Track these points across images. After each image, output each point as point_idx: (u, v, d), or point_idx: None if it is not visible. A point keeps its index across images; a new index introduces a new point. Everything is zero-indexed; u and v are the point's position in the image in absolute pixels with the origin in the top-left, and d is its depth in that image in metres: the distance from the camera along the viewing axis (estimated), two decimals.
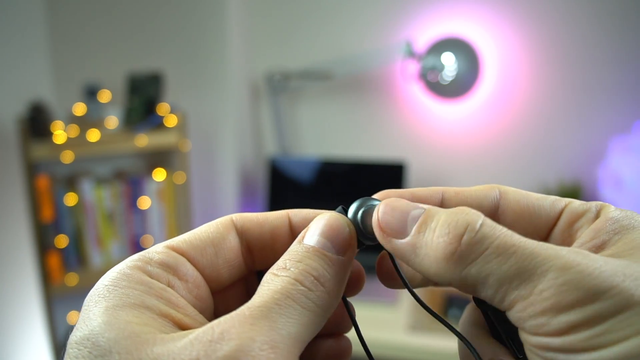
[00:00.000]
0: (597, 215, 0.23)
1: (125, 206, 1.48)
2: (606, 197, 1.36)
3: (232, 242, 0.24)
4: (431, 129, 1.62)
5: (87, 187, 1.43)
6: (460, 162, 1.62)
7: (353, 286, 0.26)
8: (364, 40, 1.61)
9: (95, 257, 1.46)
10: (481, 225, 0.20)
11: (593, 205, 0.23)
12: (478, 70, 1.45)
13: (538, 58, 1.51)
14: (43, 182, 1.35)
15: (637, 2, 1.41)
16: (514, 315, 0.20)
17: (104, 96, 1.54)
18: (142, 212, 1.50)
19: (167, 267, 0.22)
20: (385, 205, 0.22)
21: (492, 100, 1.55)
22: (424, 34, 1.53)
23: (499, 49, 1.51)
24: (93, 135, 1.34)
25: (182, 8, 1.58)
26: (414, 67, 1.48)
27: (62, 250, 1.41)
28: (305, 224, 0.25)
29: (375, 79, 1.62)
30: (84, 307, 0.20)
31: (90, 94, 1.51)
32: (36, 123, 1.29)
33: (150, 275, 0.21)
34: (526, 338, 0.20)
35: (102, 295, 0.20)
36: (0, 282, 1.43)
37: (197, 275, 0.23)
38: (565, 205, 0.24)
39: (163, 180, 1.52)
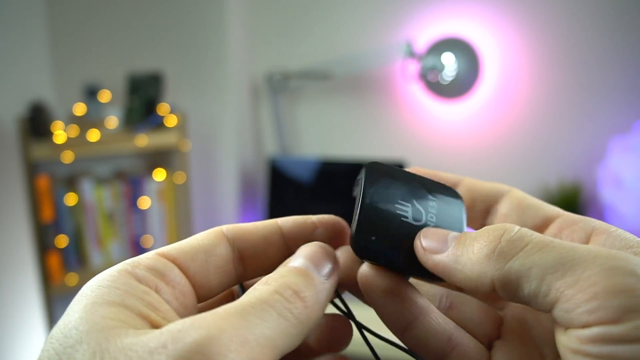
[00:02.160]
0: (593, 229, 0.23)
1: (125, 206, 1.48)
2: (606, 197, 1.36)
3: (223, 250, 0.24)
4: (431, 129, 1.62)
5: (87, 187, 1.43)
6: (460, 162, 1.62)
7: (339, 341, 0.26)
8: (364, 40, 1.61)
9: (95, 257, 1.46)
10: (519, 229, 0.21)
11: (590, 219, 0.24)
12: (478, 70, 1.45)
13: (538, 58, 1.51)
14: (43, 182, 1.35)
15: (638, 2, 1.41)
16: (561, 307, 0.19)
17: (104, 96, 1.54)
18: (142, 212, 1.50)
19: (156, 271, 0.22)
20: (425, 231, 0.24)
21: (492, 101, 1.55)
22: (424, 34, 1.53)
23: (500, 49, 1.51)
24: (93, 135, 1.34)
25: (182, 8, 1.58)
26: (414, 67, 1.48)
27: (62, 250, 1.41)
28: (294, 228, 0.26)
29: (375, 79, 1.62)
30: (68, 307, 0.20)
31: (91, 94, 1.51)
32: (36, 123, 1.29)
33: (138, 278, 0.21)
34: (579, 335, 0.18)
35: (84, 295, 0.20)
36: (0, 282, 1.43)
37: (185, 283, 0.23)
38: (561, 214, 0.25)
39: (163, 180, 1.52)
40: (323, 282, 0.23)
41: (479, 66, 1.45)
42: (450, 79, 1.45)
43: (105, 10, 1.62)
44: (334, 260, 0.24)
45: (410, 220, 0.25)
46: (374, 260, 0.24)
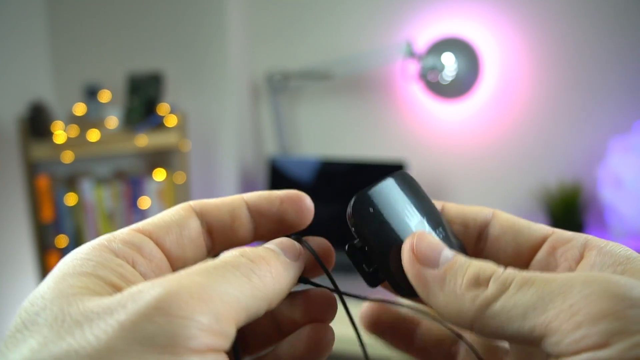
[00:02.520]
0: (585, 246, 0.23)
1: (126, 206, 1.48)
2: (606, 197, 1.36)
3: (194, 224, 0.25)
4: (431, 129, 1.62)
5: (87, 187, 1.43)
6: (460, 162, 1.62)
7: (323, 314, 0.26)
8: (364, 40, 1.61)
9: None
10: (503, 271, 0.21)
11: (582, 235, 0.24)
12: (478, 71, 1.45)
13: (538, 58, 1.51)
14: (43, 182, 1.35)
15: (638, 3, 1.41)
16: (549, 341, 0.19)
17: (104, 96, 1.54)
18: (142, 212, 1.50)
19: (132, 244, 0.22)
20: (420, 234, 0.23)
21: (492, 101, 1.55)
22: (424, 34, 1.53)
23: (500, 49, 1.51)
24: (93, 135, 1.34)
25: (182, 8, 1.58)
26: (414, 67, 1.48)
27: (62, 250, 1.41)
28: (259, 201, 0.26)
29: (375, 79, 1.62)
30: None
31: (91, 94, 1.51)
32: (36, 123, 1.29)
33: (114, 252, 0.21)
34: None
35: (57, 267, 0.20)
36: (0, 282, 1.43)
37: (161, 257, 0.23)
38: (553, 232, 0.24)
39: (163, 180, 1.52)
40: (288, 262, 0.23)
41: (479, 66, 1.45)
42: (450, 79, 1.45)
43: (105, 10, 1.62)
44: (300, 251, 0.24)
45: (410, 225, 0.25)
46: (358, 234, 0.24)
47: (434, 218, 0.26)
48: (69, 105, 1.57)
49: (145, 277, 0.21)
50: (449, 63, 1.44)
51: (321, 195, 1.56)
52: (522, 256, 0.25)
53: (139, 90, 1.44)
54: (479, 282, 0.21)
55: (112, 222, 1.47)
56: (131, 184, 1.48)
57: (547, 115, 1.53)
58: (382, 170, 1.51)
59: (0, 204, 1.42)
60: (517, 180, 1.59)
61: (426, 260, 0.22)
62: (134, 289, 0.18)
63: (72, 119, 1.50)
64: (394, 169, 1.49)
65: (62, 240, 1.41)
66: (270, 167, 1.58)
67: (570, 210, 1.47)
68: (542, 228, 0.25)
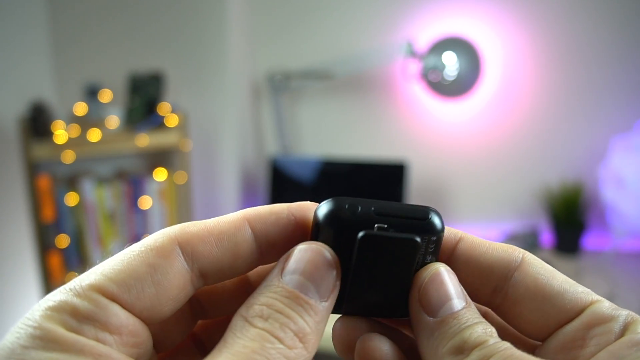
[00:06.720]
0: (624, 330, 0.19)
1: (126, 206, 1.48)
2: (607, 197, 1.36)
3: (177, 274, 0.19)
4: (432, 129, 1.61)
5: (88, 187, 1.43)
6: (461, 161, 1.62)
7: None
8: (365, 40, 1.60)
9: (96, 257, 1.46)
10: (494, 343, 0.19)
11: (623, 314, 0.20)
12: (480, 70, 1.45)
13: (540, 57, 1.50)
14: (44, 181, 1.35)
15: (639, 3, 1.41)
16: None
17: (105, 96, 1.54)
18: (143, 212, 1.50)
19: (96, 321, 0.17)
20: (447, 270, 0.21)
21: (493, 100, 1.55)
22: (425, 33, 1.53)
23: (501, 48, 1.51)
24: (94, 135, 1.34)
25: (183, 8, 1.58)
26: (415, 66, 1.47)
27: (63, 250, 1.41)
28: (265, 229, 0.21)
29: (376, 78, 1.62)
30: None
31: (91, 94, 1.51)
32: (37, 123, 1.29)
33: (74, 331, 0.17)
34: None
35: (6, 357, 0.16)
36: (1, 282, 1.43)
37: (132, 323, 0.18)
38: (592, 302, 0.21)
39: (164, 180, 1.52)
40: (322, 307, 0.20)
41: (481, 65, 1.45)
42: (451, 78, 1.44)
43: (106, 10, 1.62)
44: (336, 269, 0.20)
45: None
46: (326, 227, 0.21)
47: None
48: (69, 105, 1.57)
49: (118, 349, 0.18)
50: (450, 62, 1.44)
51: (322, 195, 1.56)
52: (546, 325, 0.21)
53: (139, 90, 1.44)
54: (462, 348, 0.19)
55: (113, 222, 1.47)
56: (132, 183, 1.48)
57: (548, 114, 1.53)
58: (382, 170, 1.50)
59: (1, 204, 1.42)
60: (518, 180, 1.59)
61: (427, 308, 0.21)
62: None
63: (72, 119, 1.50)
64: (395, 169, 1.49)
65: (63, 240, 1.41)
66: (271, 166, 1.58)
67: (571, 209, 1.47)
68: (578, 298, 0.21)
